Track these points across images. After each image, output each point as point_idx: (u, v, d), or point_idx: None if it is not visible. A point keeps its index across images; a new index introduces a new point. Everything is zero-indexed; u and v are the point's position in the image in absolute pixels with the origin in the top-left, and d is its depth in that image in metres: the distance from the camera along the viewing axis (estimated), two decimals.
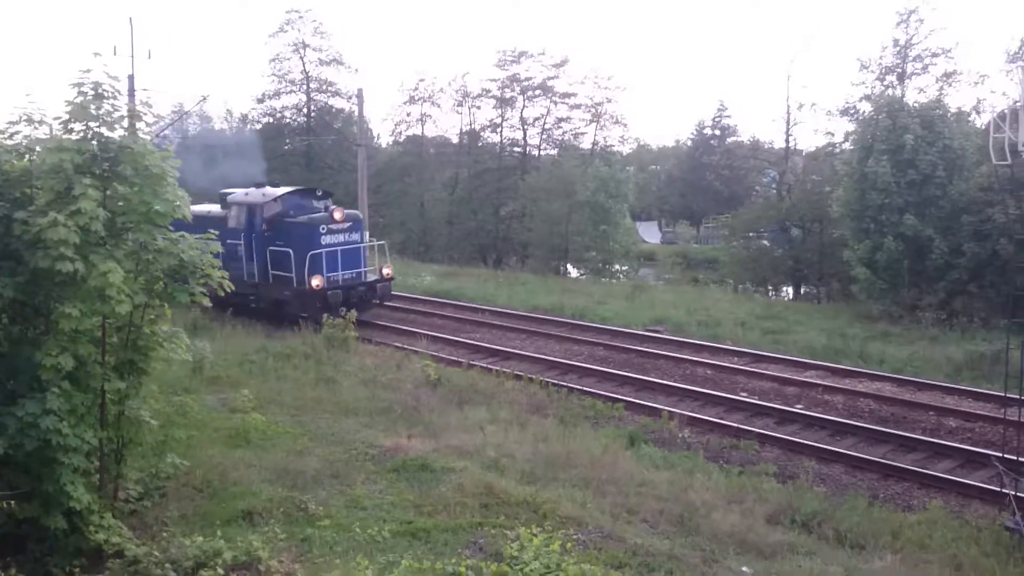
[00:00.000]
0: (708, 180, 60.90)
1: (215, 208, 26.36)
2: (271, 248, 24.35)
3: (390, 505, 10.78)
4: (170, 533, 9.27)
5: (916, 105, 29.18)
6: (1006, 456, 12.43)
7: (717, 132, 63.88)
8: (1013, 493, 11.02)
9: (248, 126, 61.43)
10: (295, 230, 24.15)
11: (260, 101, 60.65)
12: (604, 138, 57.69)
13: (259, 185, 26.46)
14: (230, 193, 26.07)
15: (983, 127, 28.89)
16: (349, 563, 8.58)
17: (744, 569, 9.37)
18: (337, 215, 24.25)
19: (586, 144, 57.59)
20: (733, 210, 48.13)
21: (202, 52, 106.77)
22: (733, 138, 63.22)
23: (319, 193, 26.58)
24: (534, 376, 18.35)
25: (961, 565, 9.97)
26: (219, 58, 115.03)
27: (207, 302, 9.97)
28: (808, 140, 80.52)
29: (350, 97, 57.83)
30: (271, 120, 60.32)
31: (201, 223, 26.15)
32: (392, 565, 8.62)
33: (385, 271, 25.45)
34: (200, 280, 9.82)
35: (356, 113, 45.09)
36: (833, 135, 42.76)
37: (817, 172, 42.90)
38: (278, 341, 21.34)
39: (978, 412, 16.03)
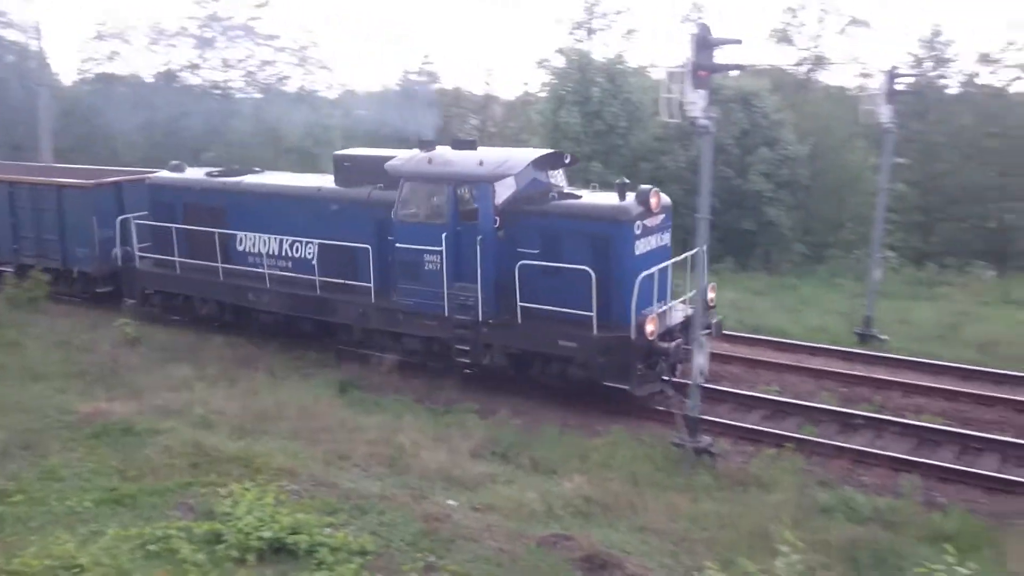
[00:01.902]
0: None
1: (324, 184, 16.72)
2: (525, 262, 13.92)
3: (91, 473, 10.39)
4: None
5: (603, 60, 31.39)
6: (675, 380, 14.19)
7: (422, 79, 64.62)
8: (680, 413, 12.61)
9: None
10: (580, 230, 13.97)
11: None
12: (310, 82, 56.43)
13: (426, 145, 15.53)
14: (386, 158, 15.53)
15: (657, 82, 31.68)
16: (47, 538, 8.25)
17: (450, 502, 10.07)
18: (653, 201, 14.02)
19: (292, 88, 56.09)
20: None
21: None
22: (437, 85, 64.32)
23: (567, 159, 15.93)
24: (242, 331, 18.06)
25: (638, 480, 11.30)
26: None
27: None
28: (507, 89, 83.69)
29: (26, 30, 52.10)
30: None
31: (300, 207, 16.49)
32: (96, 535, 8.42)
33: (710, 295, 14.89)
34: None
35: (34, 47, 40.78)
36: (528, 85, 44.94)
37: (515, 121, 44.91)
38: None
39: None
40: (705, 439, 12.33)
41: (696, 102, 11.52)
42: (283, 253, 16.81)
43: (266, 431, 12.17)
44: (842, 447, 12.50)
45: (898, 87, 17.95)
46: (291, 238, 16.61)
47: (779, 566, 5.67)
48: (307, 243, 16.42)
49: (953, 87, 35.20)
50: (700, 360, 12.18)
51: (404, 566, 8.24)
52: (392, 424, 12.81)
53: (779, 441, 12.88)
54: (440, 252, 14.41)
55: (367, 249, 15.42)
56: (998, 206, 31.18)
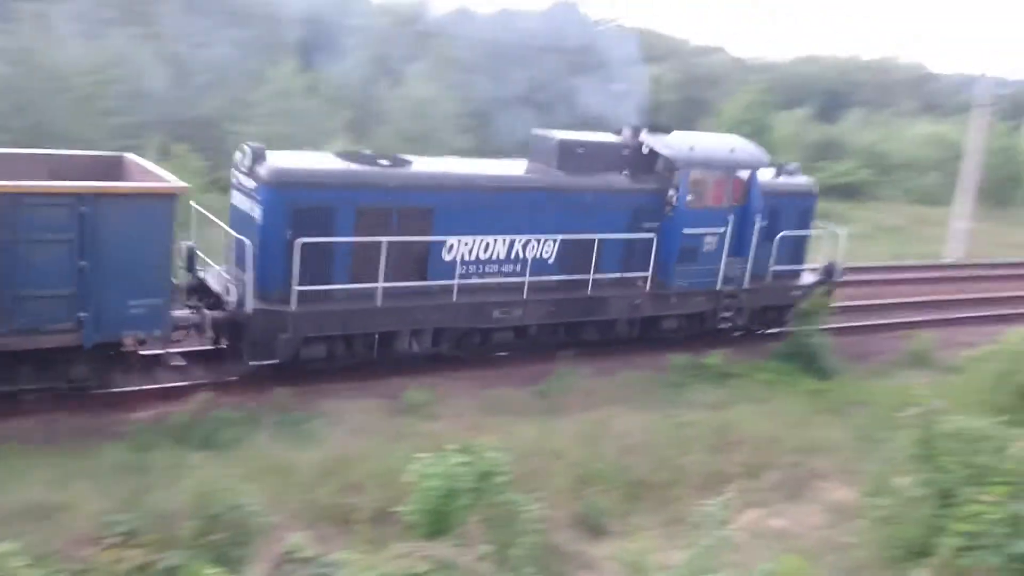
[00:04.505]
0: None
1: (556, 173, 15.52)
2: (785, 233, 17.66)
3: None
4: None
5: None
6: None
7: None
8: None
9: None
10: (793, 204, 18.16)
11: None
12: None
13: (637, 129, 16.95)
14: (618, 144, 16.57)
15: None
16: None
17: None
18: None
19: None
20: None
21: None
22: None
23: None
24: None
25: None
26: None
27: None
28: None
29: None
30: None
31: (539, 201, 15.17)
32: None
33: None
34: None
35: None
36: None
37: None
38: None
39: None
40: None
41: None
42: (512, 256, 14.84)
43: None
44: None
45: None
46: (526, 237, 14.85)
47: None
48: (546, 240, 15.04)
49: None
50: None
51: None
52: None
53: None
54: (722, 233, 16.50)
55: (651, 239, 16.01)
56: None
